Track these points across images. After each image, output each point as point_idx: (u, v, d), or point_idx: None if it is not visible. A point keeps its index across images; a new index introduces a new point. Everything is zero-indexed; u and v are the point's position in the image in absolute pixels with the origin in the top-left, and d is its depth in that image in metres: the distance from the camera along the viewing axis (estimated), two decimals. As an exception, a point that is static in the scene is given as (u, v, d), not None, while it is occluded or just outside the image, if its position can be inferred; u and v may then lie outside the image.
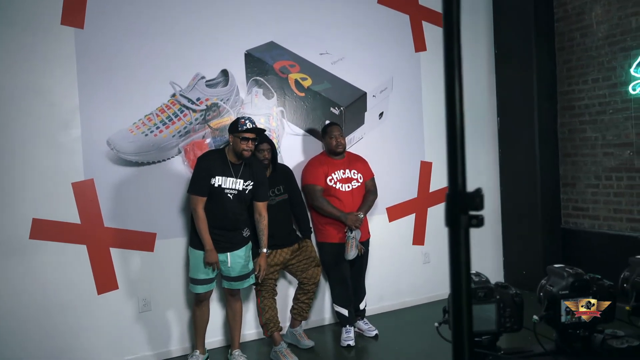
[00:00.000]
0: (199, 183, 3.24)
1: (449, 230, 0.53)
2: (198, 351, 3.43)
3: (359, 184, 3.86)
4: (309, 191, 3.78)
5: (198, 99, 3.77)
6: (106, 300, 3.49)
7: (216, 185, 3.26)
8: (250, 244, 3.44)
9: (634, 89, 4.13)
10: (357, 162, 3.93)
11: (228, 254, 3.33)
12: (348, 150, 4.00)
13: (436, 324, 0.98)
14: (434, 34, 4.71)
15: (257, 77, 3.99)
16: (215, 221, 3.28)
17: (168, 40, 3.66)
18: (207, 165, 3.26)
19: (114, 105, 3.50)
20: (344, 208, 3.74)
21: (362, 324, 3.95)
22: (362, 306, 3.96)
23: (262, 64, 4.00)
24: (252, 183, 3.36)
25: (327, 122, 4.05)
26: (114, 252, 3.51)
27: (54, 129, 3.35)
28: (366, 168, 3.97)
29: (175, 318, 3.68)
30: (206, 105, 3.79)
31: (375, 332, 3.91)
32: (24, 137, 3.26)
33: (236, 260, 3.35)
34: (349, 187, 3.81)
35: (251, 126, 3.22)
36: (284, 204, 3.70)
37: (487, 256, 4.95)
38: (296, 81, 4.13)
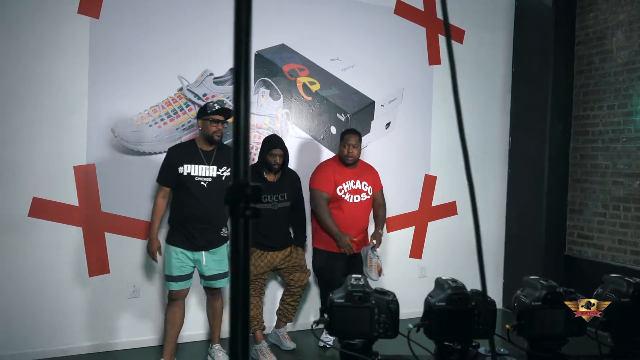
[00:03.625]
0: (163, 173, 3.22)
1: (230, 220, 0.55)
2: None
3: (368, 197, 3.79)
4: (315, 196, 3.71)
5: (204, 95, 3.85)
6: (96, 282, 3.58)
7: (185, 173, 3.16)
8: (228, 242, 3.43)
9: (648, 119, 4.01)
10: (369, 173, 3.85)
11: (203, 252, 3.25)
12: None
13: (410, 326, 0.98)
14: (449, 48, 4.67)
15: (265, 78, 4.05)
16: (190, 214, 3.18)
17: (180, 36, 3.75)
18: (173, 155, 3.20)
19: (122, 94, 3.60)
20: (348, 220, 3.70)
21: None
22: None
23: (272, 66, 4.05)
24: (230, 170, 3.23)
25: (349, 128, 3.98)
26: (109, 237, 3.60)
27: (62, 113, 3.46)
28: (376, 179, 3.90)
29: (161, 308, 3.74)
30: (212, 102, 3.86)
31: None
32: (32, 117, 3.39)
33: (212, 259, 3.29)
34: (357, 198, 3.75)
35: (220, 107, 3.19)
36: (285, 210, 3.65)
37: (487, 277, 4.85)
38: (304, 85, 4.17)
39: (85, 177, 3.54)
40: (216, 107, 3.19)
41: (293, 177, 3.77)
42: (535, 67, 4.75)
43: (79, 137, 3.51)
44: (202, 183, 3.19)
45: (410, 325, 0.97)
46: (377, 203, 3.88)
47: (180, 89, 3.79)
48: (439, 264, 4.67)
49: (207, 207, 3.18)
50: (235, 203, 0.52)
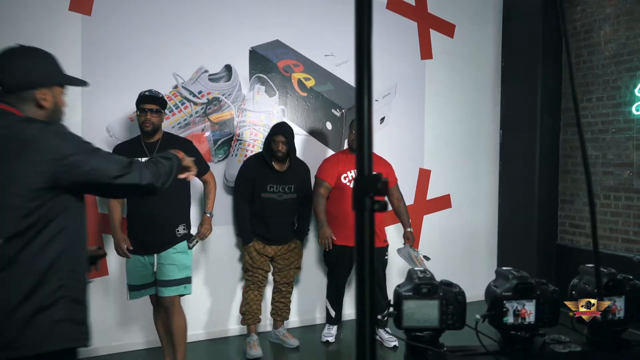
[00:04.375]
0: None
1: (356, 213, 0.54)
2: None
3: None
4: (315, 184, 3.75)
5: (200, 92, 3.80)
6: (96, 285, 3.51)
7: None
8: (186, 243, 3.06)
9: (637, 110, 4.11)
10: (380, 165, 3.78)
11: (155, 255, 2.98)
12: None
13: (379, 317, 0.99)
14: (441, 43, 4.72)
15: (260, 75, 4.02)
16: (137, 215, 2.96)
17: (174, 32, 3.69)
18: (119, 152, 2.91)
19: (116, 92, 3.53)
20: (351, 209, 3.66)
21: (383, 333, 3.82)
22: (380, 317, 3.85)
23: (266, 62, 4.03)
24: None
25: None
26: (107, 238, 3.54)
27: (55, 113, 3.39)
28: (390, 173, 3.83)
29: (162, 308, 3.70)
30: (207, 99, 3.82)
31: (395, 343, 3.74)
32: (24, 118, 3.30)
33: (166, 261, 2.98)
34: None
35: (149, 94, 2.92)
36: (291, 203, 3.61)
37: (480, 268, 4.93)
38: (299, 81, 4.15)
39: (81, 177, 3.46)
40: (149, 94, 2.94)
41: (302, 168, 3.72)
42: (524, 60, 4.81)
43: (73, 137, 3.44)
44: None
45: (478, 316, 0.98)
46: (395, 197, 3.86)
47: (175, 87, 3.73)
48: (434, 257, 4.69)
49: (153, 204, 2.85)
50: (362, 197, 0.51)
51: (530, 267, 4.68)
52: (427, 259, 3.70)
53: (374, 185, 0.52)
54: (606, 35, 4.35)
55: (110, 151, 3.48)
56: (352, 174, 3.72)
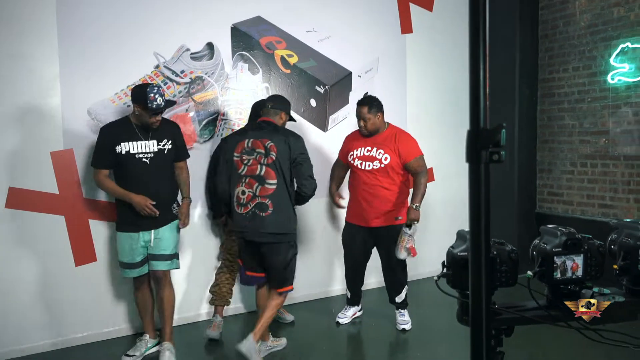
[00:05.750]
0: (99, 154, 3.05)
1: (469, 166, 0.54)
2: (147, 335, 3.24)
3: (381, 165, 3.48)
4: None
5: (182, 72, 3.71)
6: (84, 272, 3.44)
7: (123, 152, 2.99)
8: (177, 221, 3.21)
9: (612, 79, 4.23)
10: (393, 142, 3.52)
11: (152, 231, 3.07)
12: (377, 130, 3.58)
13: (435, 278, 1.01)
14: (420, 17, 4.72)
15: (243, 52, 3.95)
16: (136, 194, 3.00)
17: (153, 10, 3.58)
18: (108, 134, 3.02)
19: (96, 74, 3.42)
20: (360, 189, 3.56)
21: (397, 314, 3.72)
22: (398, 299, 3.68)
23: (249, 39, 3.95)
24: (171, 142, 3.10)
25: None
26: (93, 223, 3.46)
27: (33, 97, 3.25)
28: (406, 149, 3.51)
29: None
30: (190, 78, 3.74)
31: (404, 326, 3.65)
32: (2, 104, 3.16)
33: (161, 237, 3.09)
34: (369, 166, 3.52)
35: (162, 103, 2.94)
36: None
37: (463, 239, 5.04)
38: (282, 58, 4.10)
39: (64, 163, 3.36)
40: (161, 103, 2.94)
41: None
42: (501, 32, 4.87)
43: (53, 122, 3.32)
44: (144, 160, 3.02)
45: (530, 273, 1.01)
46: (413, 172, 3.55)
47: (157, 66, 3.63)
48: (419, 230, 4.78)
49: (152, 183, 3.03)
50: (476, 150, 0.51)
51: (511, 235, 4.82)
52: (409, 252, 3.53)
53: (492, 138, 0.52)
54: (581, 6, 4.44)
55: (96, 135, 3.35)
56: (357, 152, 3.59)
